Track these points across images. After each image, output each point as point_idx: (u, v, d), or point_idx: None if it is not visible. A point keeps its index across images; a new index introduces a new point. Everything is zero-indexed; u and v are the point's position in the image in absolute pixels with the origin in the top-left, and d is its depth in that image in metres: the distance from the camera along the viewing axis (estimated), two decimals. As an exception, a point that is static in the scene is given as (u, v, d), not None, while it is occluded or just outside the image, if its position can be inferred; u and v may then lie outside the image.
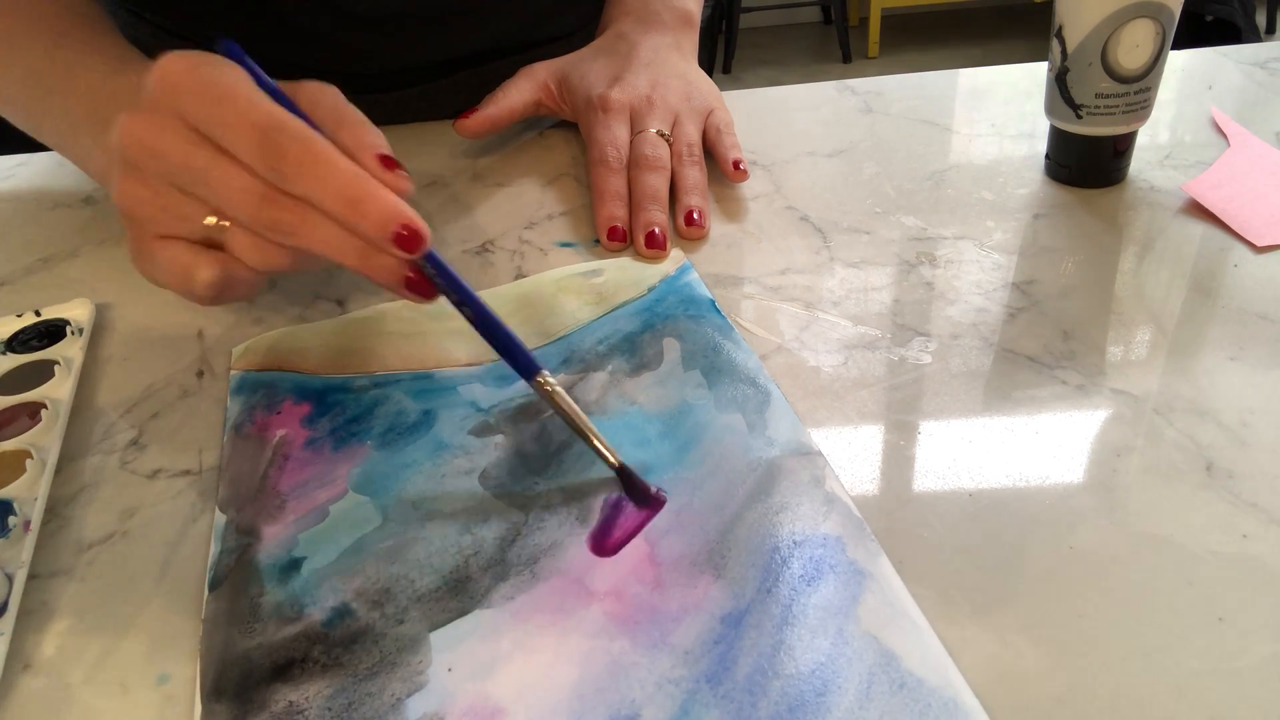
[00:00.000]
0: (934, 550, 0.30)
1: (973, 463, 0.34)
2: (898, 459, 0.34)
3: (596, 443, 0.33)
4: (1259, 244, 0.44)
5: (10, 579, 0.31)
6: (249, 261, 0.34)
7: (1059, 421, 0.35)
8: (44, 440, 0.37)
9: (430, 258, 0.34)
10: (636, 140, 0.52)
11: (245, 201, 0.33)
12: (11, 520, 0.33)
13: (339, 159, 0.33)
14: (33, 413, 0.38)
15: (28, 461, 0.35)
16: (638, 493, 0.33)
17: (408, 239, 0.33)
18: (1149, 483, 0.32)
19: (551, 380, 0.34)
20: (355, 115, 0.37)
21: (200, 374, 0.41)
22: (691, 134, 0.53)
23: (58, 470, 0.36)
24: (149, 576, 0.32)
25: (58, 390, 0.39)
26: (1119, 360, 0.38)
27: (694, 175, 0.51)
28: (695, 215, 0.49)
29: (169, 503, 0.35)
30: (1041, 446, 0.34)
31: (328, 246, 0.33)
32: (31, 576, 0.32)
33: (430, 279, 0.34)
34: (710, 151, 0.54)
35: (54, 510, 0.35)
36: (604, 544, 0.31)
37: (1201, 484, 0.32)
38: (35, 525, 0.33)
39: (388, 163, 0.35)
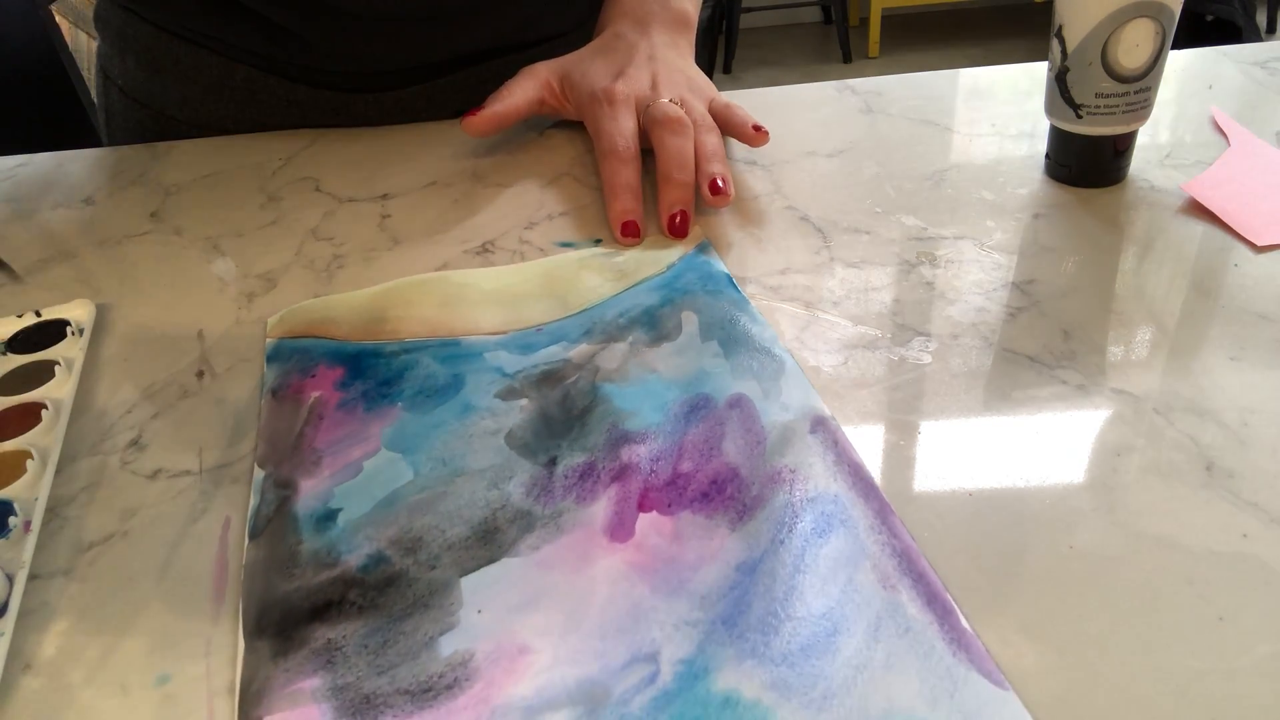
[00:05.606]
0: (934, 550, 0.30)
1: (973, 463, 0.34)
2: (898, 459, 0.34)
3: None
4: (1259, 244, 0.44)
5: (10, 579, 0.31)
6: None
7: (1059, 421, 0.35)
8: (44, 440, 0.37)
9: None
10: (652, 108, 0.51)
11: None
12: (12, 521, 0.33)
13: None
14: (33, 413, 0.38)
15: (28, 462, 0.35)
16: None
17: None
18: (1149, 483, 0.32)
19: None
20: None
21: (200, 374, 0.41)
22: (701, 109, 0.53)
23: (58, 470, 0.36)
24: (149, 576, 0.32)
25: (58, 391, 0.39)
26: (1119, 360, 0.38)
27: (713, 141, 0.51)
28: (720, 181, 0.48)
29: (169, 503, 0.35)
30: (1041, 446, 0.34)
31: None
32: (32, 577, 0.32)
33: None
34: (723, 126, 0.53)
35: (54, 510, 0.35)
36: (620, 532, 0.32)
37: (1201, 484, 0.32)
38: (35, 525, 0.33)
39: None
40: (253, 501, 0.34)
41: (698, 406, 0.37)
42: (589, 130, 0.55)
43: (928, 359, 0.39)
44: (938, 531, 0.31)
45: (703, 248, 0.47)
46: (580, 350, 0.40)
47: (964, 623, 0.28)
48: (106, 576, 0.32)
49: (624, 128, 0.51)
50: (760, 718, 0.26)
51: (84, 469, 0.36)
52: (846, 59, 3.46)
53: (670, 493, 0.33)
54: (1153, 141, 0.54)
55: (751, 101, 0.63)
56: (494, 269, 0.46)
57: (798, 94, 0.64)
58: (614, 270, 0.46)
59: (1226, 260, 0.44)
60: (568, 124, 0.61)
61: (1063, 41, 0.47)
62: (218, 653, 0.29)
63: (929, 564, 0.30)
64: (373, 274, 0.47)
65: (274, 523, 0.33)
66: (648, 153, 0.52)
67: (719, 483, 0.33)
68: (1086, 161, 0.50)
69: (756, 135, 0.52)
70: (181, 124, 0.66)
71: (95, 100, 0.74)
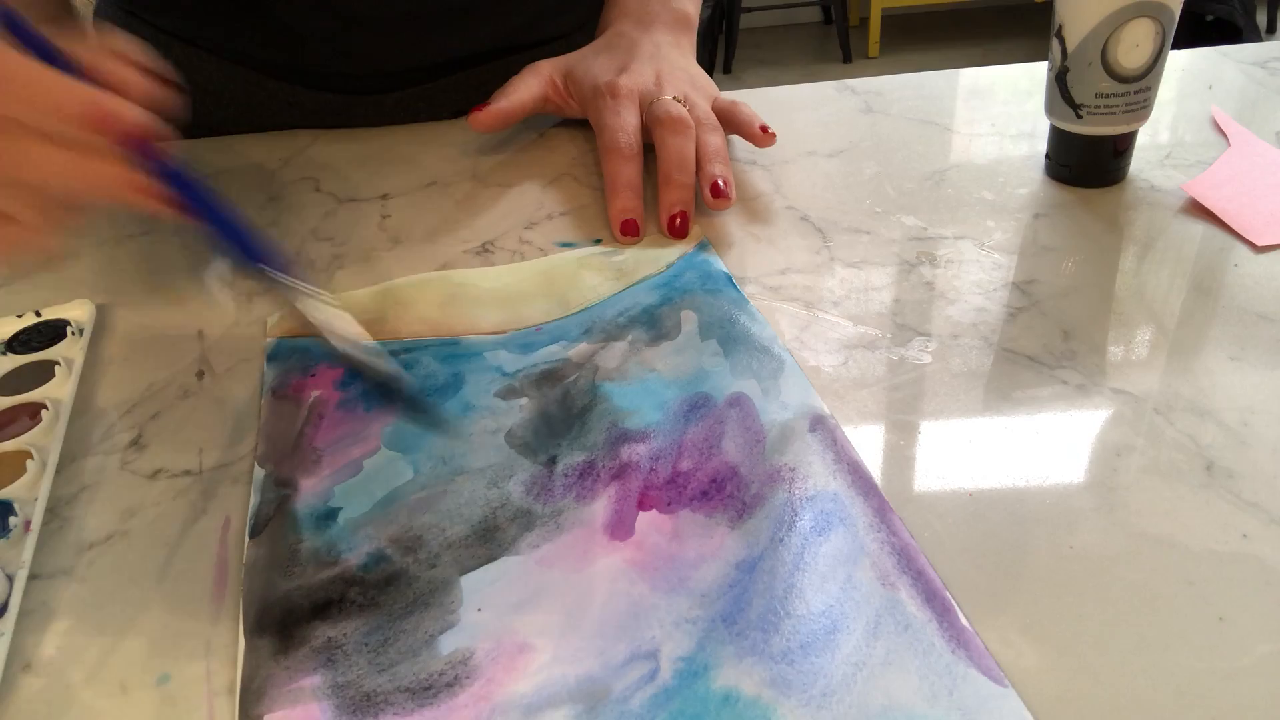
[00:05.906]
0: (934, 550, 0.30)
1: (973, 463, 0.34)
2: (898, 459, 0.34)
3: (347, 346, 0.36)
4: (1259, 244, 0.44)
5: (10, 579, 0.31)
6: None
7: (1059, 421, 0.35)
8: (44, 441, 0.37)
9: (166, 170, 0.32)
10: (655, 106, 0.51)
11: None
12: (12, 521, 0.33)
13: (45, 75, 0.30)
14: (33, 413, 0.38)
15: (28, 462, 0.35)
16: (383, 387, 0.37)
17: (101, 120, 0.30)
18: (1149, 483, 0.32)
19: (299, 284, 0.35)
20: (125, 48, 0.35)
21: (200, 374, 0.41)
22: (705, 107, 0.53)
23: (58, 470, 0.36)
24: (149, 576, 0.32)
25: (58, 391, 0.39)
26: (1119, 360, 0.38)
27: (715, 141, 0.50)
28: (721, 184, 0.48)
29: (169, 503, 0.35)
30: (1041, 446, 0.34)
31: (41, 168, 0.31)
32: (32, 577, 0.32)
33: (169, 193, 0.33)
34: (728, 124, 0.53)
35: (54, 510, 0.35)
36: (620, 530, 0.32)
37: (1201, 484, 0.32)
38: (36, 526, 0.33)
39: (127, 63, 0.33)
40: (253, 500, 0.34)
41: (697, 405, 0.37)
42: (592, 125, 0.55)
43: (928, 359, 0.39)
44: (938, 531, 0.31)
45: (702, 247, 0.47)
46: (580, 349, 0.40)
47: (963, 620, 0.28)
48: (106, 576, 0.32)
49: (627, 123, 0.51)
50: (760, 715, 0.26)
51: (84, 469, 0.36)
52: (846, 59, 3.46)
53: (670, 491, 0.33)
54: (1153, 141, 0.54)
55: (752, 101, 0.62)
56: (494, 269, 0.47)
57: (798, 94, 0.64)
58: (613, 269, 0.46)
59: (1226, 260, 0.44)
60: (568, 124, 0.61)
61: (1063, 41, 0.47)
62: (218, 653, 0.29)
63: (928, 561, 0.30)
64: (373, 274, 0.47)
65: (274, 522, 0.33)
66: (649, 148, 0.52)
67: (718, 481, 0.33)
68: (1086, 161, 0.50)
69: (764, 136, 0.52)
70: (181, 124, 0.66)
71: (95, 100, 0.74)
